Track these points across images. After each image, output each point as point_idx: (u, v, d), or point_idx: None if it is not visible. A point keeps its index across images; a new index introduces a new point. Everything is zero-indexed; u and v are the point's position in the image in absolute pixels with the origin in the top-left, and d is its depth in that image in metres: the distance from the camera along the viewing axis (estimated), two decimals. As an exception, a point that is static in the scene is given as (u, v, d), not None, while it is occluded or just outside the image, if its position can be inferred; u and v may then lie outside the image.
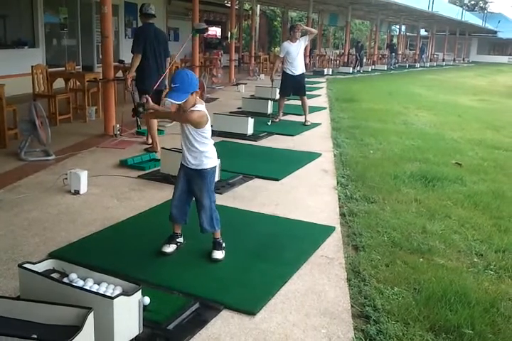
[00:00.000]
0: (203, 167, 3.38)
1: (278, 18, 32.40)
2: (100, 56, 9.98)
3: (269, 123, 8.55)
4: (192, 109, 3.20)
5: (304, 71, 8.91)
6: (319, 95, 13.42)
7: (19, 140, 6.29)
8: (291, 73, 8.71)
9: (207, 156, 3.38)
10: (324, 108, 11.15)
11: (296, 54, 8.62)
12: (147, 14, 6.41)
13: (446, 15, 33.58)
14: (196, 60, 12.90)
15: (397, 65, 28.49)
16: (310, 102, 9.74)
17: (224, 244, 3.51)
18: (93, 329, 2.19)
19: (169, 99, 3.10)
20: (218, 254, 3.46)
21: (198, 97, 3.27)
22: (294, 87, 8.81)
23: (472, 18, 44.08)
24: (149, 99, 3.52)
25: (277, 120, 9.01)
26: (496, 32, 50.01)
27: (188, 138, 3.32)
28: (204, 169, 3.38)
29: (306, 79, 9.41)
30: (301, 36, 8.69)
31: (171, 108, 3.43)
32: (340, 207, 4.67)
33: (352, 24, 32.25)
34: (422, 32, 43.60)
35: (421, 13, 30.17)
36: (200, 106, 3.24)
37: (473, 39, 52.16)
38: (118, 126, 7.18)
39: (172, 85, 3.10)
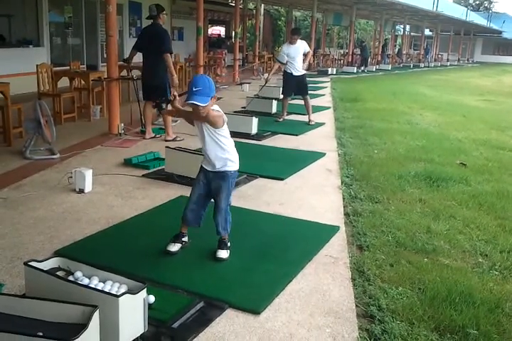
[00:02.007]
0: (225, 169, 3.38)
1: (282, 18, 32.40)
2: (105, 55, 10.01)
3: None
4: (211, 108, 3.22)
5: (305, 72, 8.93)
6: (323, 95, 13.40)
7: (24, 138, 6.31)
8: (292, 73, 8.74)
9: (229, 159, 3.38)
10: (328, 107, 11.14)
11: (295, 55, 8.67)
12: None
13: (450, 15, 33.51)
14: (200, 59, 12.90)
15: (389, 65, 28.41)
16: (314, 102, 9.74)
17: (229, 244, 3.52)
18: (98, 327, 2.20)
19: (194, 102, 3.08)
20: (223, 254, 3.46)
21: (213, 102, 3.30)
22: (295, 87, 8.84)
23: (477, 18, 43.95)
24: (177, 97, 3.51)
25: (281, 119, 9.02)
26: (500, 32, 49.83)
27: (209, 140, 3.32)
28: (226, 171, 3.39)
29: (310, 79, 9.40)
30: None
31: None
32: (344, 207, 4.67)
33: (356, 24, 32.17)
34: (427, 32, 43.52)
35: (425, 12, 30.11)
36: (217, 108, 3.28)
37: (478, 39, 51.99)
38: (122, 125, 7.20)
39: (194, 89, 3.09)
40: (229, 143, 3.40)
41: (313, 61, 22.70)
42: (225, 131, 3.36)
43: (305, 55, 8.90)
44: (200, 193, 3.45)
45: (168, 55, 6.68)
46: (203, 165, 3.46)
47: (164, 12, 6.92)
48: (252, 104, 9.51)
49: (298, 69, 8.73)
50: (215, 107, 3.26)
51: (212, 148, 3.34)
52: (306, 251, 3.67)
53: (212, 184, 3.43)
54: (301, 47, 8.73)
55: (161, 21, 6.84)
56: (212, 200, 3.51)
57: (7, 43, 11.12)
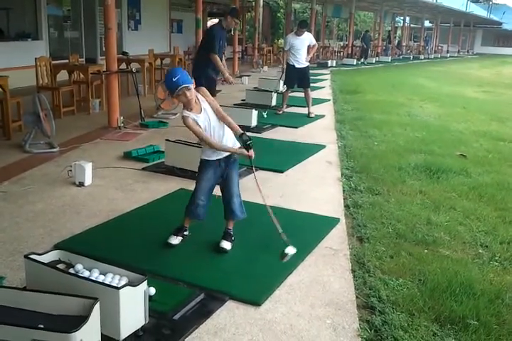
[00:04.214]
0: None
1: (281, 10, 32.21)
2: (103, 48, 9.96)
3: (265, 115, 8.28)
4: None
5: (308, 64, 8.90)
6: (323, 87, 13.37)
7: (23, 132, 6.31)
8: (295, 65, 8.71)
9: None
10: (328, 100, 11.11)
11: (300, 47, 8.64)
12: None
13: (450, 6, 33.30)
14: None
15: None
16: (314, 94, 9.71)
17: (233, 237, 3.53)
18: (99, 320, 2.20)
19: (184, 85, 3.15)
20: (227, 245, 3.47)
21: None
22: (298, 78, 8.81)
23: (477, 10, 43.69)
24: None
25: (281, 112, 9.00)
26: (500, 23, 49.56)
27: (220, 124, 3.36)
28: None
29: (310, 71, 9.36)
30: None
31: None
32: (344, 199, 4.66)
33: (356, 15, 31.98)
34: (427, 23, 43.31)
35: (425, 4, 29.92)
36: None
37: (478, 30, 51.69)
38: (122, 118, 7.18)
39: (174, 79, 3.15)
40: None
41: (314, 54, 22.59)
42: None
43: (310, 47, 8.86)
44: (211, 187, 3.47)
45: (213, 55, 6.48)
46: (216, 157, 3.40)
47: (234, 17, 6.52)
48: (251, 96, 9.49)
49: (300, 61, 8.69)
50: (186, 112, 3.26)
51: (227, 131, 3.38)
52: (306, 243, 3.67)
53: (225, 173, 3.45)
54: (306, 39, 8.69)
55: (227, 24, 6.53)
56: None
57: (6, 37, 11.07)
